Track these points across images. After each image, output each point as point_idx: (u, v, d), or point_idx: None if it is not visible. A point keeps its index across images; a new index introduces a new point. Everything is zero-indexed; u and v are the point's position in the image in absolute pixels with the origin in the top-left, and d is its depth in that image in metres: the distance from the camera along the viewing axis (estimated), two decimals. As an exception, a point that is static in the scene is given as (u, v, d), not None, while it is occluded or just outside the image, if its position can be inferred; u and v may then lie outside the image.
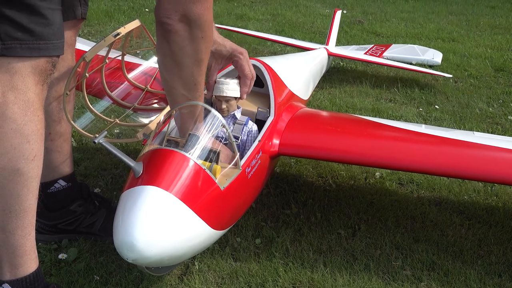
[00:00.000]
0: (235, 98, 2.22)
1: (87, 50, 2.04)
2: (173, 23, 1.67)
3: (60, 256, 2.26)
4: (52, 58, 1.69)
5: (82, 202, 2.39)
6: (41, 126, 1.70)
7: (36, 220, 2.06)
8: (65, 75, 2.11)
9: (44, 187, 2.25)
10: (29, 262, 1.82)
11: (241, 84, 2.21)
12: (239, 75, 2.22)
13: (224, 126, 1.89)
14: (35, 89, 1.66)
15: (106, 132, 1.78)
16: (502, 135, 3.68)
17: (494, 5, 10.04)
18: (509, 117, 4.25)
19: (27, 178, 1.69)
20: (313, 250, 2.41)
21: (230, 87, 2.18)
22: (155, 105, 2.44)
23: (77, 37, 2.21)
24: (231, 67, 2.58)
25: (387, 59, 5.34)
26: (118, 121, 2.24)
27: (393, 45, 5.91)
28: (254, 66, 2.57)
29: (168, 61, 1.79)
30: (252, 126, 2.25)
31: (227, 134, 1.93)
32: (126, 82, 2.51)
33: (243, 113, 2.32)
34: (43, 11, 1.60)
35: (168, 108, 2.18)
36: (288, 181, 3.00)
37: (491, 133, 3.76)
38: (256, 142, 2.17)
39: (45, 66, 1.67)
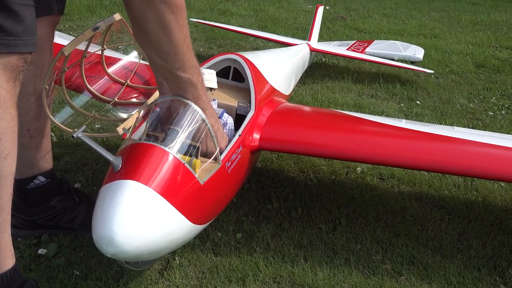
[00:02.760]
0: (210, 89, 2.20)
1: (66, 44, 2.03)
2: None
3: (39, 251, 2.24)
4: (24, 54, 1.65)
5: (62, 198, 2.37)
6: (13, 124, 1.65)
7: (15, 216, 2.04)
8: (43, 71, 2.08)
9: (24, 183, 2.23)
10: (5, 260, 1.79)
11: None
12: None
13: (204, 121, 1.89)
14: (7, 86, 1.61)
15: (85, 126, 1.76)
16: (482, 130, 3.71)
17: (475, 2, 10.15)
18: (489, 112, 4.29)
19: (0, 177, 1.66)
20: (294, 244, 2.42)
21: (205, 78, 2.16)
22: (135, 100, 2.43)
23: (57, 32, 2.18)
24: (213, 61, 2.58)
25: (369, 55, 5.38)
26: (97, 116, 2.23)
27: (375, 41, 5.95)
28: (235, 60, 2.56)
29: (134, 25, 1.78)
30: (227, 118, 2.24)
31: (207, 128, 1.92)
32: (106, 76, 2.49)
33: (223, 108, 2.31)
34: (13, 7, 1.55)
35: (149, 101, 2.18)
36: (269, 176, 3.00)
37: (472, 128, 3.78)
38: (237, 137, 2.16)
39: (16, 63, 1.62)
